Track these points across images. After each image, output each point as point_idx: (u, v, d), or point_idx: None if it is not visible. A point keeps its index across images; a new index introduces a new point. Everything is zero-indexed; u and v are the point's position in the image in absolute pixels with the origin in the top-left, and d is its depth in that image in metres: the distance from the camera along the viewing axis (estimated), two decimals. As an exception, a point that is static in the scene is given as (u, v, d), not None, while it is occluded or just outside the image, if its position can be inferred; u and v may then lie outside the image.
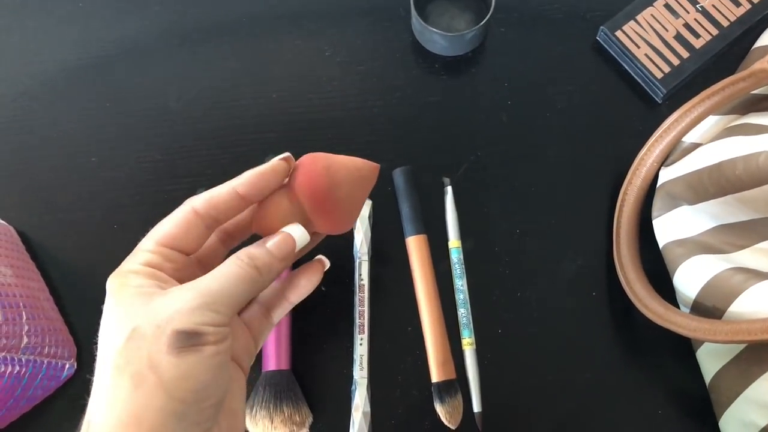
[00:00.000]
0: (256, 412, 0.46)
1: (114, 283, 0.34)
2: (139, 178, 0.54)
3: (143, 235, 0.40)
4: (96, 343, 0.33)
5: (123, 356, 0.31)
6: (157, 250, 0.35)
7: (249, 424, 0.46)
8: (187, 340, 0.32)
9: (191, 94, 0.57)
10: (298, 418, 0.46)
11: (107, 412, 0.30)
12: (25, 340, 0.44)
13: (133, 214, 0.53)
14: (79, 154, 0.55)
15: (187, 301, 0.32)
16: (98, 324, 0.48)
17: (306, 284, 0.40)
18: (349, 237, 0.52)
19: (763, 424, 0.40)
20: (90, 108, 0.56)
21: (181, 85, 0.57)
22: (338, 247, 0.52)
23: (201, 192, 0.44)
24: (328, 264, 0.41)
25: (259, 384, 0.47)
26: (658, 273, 0.48)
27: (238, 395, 0.37)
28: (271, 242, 0.36)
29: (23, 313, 0.45)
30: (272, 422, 0.45)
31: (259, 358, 0.48)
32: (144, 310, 0.32)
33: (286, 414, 0.46)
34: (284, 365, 0.48)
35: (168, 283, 0.34)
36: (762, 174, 0.37)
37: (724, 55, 0.55)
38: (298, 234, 0.37)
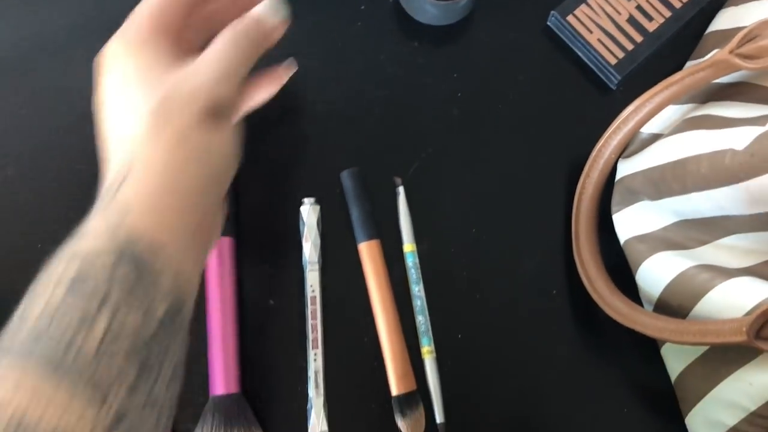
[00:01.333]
0: None
1: (126, 40, 0.34)
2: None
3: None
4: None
5: (160, 116, 0.32)
6: (158, 22, 0.35)
7: None
8: (219, 114, 0.33)
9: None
10: None
11: (151, 162, 0.31)
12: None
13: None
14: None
15: (209, 75, 0.33)
16: None
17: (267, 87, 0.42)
18: (296, 246, 0.48)
19: (732, 424, 0.40)
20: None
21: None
22: (285, 256, 0.49)
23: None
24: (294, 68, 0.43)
25: (207, 410, 0.44)
26: (620, 268, 0.47)
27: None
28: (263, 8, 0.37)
29: None
30: None
31: (205, 381, 0.45)
32: (171, 79, 0.33)
33: None
34: (233, 388, 0.45)
35: (180, 44, 0.35)
36: (728, 174, 0.36)
37: (678, 38, 0.53)
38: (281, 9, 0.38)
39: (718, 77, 0.41)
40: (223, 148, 0.34)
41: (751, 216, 0.37)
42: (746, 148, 0.35)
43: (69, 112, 0.51)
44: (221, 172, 0.35)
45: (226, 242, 0.47)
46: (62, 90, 0.51)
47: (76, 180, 0.49)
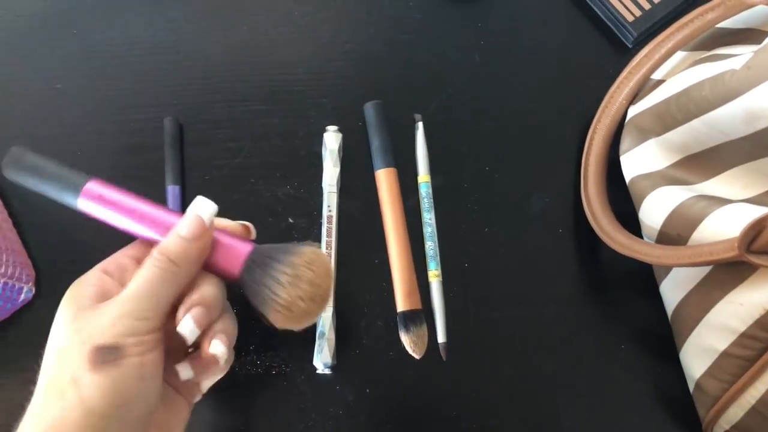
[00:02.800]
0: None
1: (66, 297, 0.36)
2: (104, 106, 0.53)
3: (107, 161, 0.47)
4: None
5: (50, 376, 0.33)
6: (114, 260, 0.38)
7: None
8: (107, 354, 0.32)
9: (159, 25, 0.55)
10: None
11: (40, 422, 0.32)
12: (-19, 255, 0.43)
13: (96, 141, 0.52)
14: (42, 81, 0.54)
15: (109, 315, 0.33)
16: (57, 250, 0.48)
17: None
18: (318, 170, 0.51)
19: (722, 348, 0.41)
20: (55, 37, 0.55)
21: (150, 16, 0.56)
22: (306, 178, 0.51)
23: (167, 121, 0.45)
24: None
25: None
26: (625, 213, 0.49)
27: (177, 415, 0.38)
28: (180, 226, 0.36)
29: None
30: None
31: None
32: (71, 329, 0.33)
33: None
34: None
35: (114, 291, 0.35)
36: (727, 91, 0.38)
37: (696, 2, 0.55)
38: (206, 210, 0.36)
39: (728, 17, 0.43)
40: (122, 389, 0.32)
41: (749, 137, 0.39)
42: (744, 64, 0.37)
43: (113, 36, 0.55)
44: (122, 412, 0.32)
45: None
46: (108, 17, 0.55)
47: (116, 96, 0.53)
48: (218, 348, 0.36)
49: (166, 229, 0.37)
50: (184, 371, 0.37)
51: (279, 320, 0.37)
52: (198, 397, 0.41)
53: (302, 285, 0.36)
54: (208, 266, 0.37)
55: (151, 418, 0.35)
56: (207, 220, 0.36)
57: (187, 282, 0.36)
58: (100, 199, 0.38)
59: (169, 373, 0.37)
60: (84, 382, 0.32)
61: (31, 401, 0.33)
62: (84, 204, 0.38)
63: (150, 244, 0.37)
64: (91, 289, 0.35)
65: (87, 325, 0.33)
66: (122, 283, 0.36)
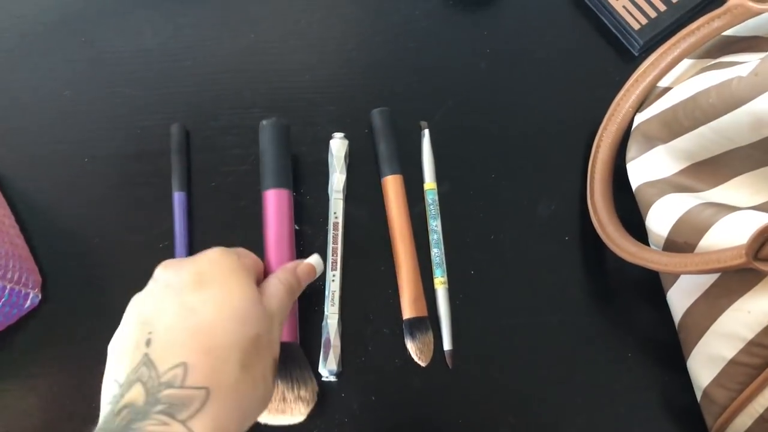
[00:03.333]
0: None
1: (237, 260, 0.38)
2: (112, 112, 0.53)
3: (114, 168, 0.49)
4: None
5: (249, 356, 0.34)
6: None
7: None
8: (276, 369, 0.38)
9: (168, 32, 0.56)
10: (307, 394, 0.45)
11: (230, 396, 0.33)
12: (-12, 261, 0.43)
13: (105, 148, 0.52)
14: (51, 88, 0.54)
15: (280, 328, 0.38)
16: (65, 256, 0.48)
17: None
18: (324, 177, 0.51)
19: (730, 356, 0.41)
20: (63, 43, 0.55)
21: (158, 23, 0.56)
22: (312, 185, 0.51)
23: (174, 128, 0.49)
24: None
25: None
26: (631, 220, 0.49)
27: None
28: (306, 262, 0.44)
29: (-15, 236, 0.44)
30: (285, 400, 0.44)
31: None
32: (264, 321, 0.36)
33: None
34: (295, 337, 0.46)
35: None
36: (734, 98, 0.38)
37: (702, 10, 0.55)
38: (318, 266, 0.45)
39: (733, 25, 0.43)
40: (269, 399, 0.37)
41: (757, 144, 0.39)
42: (751, 71, 0.37)
43: (120, 43, 0.55)
44: (259, 415, 0.37)
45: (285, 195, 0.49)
46: (115, 23, 0.56)
47: (124, 103, 0.53)
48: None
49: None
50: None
51: None
52: None
53: (286, 402, 0.43)
54: None
55: None
56: (318, 270, 0.45)
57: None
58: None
59: None
60: (269, 384, 0.36)
61: (214, 368, 0.33)
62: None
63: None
64: (253, 282, 0.39)
65: (272, 328, 0.37)
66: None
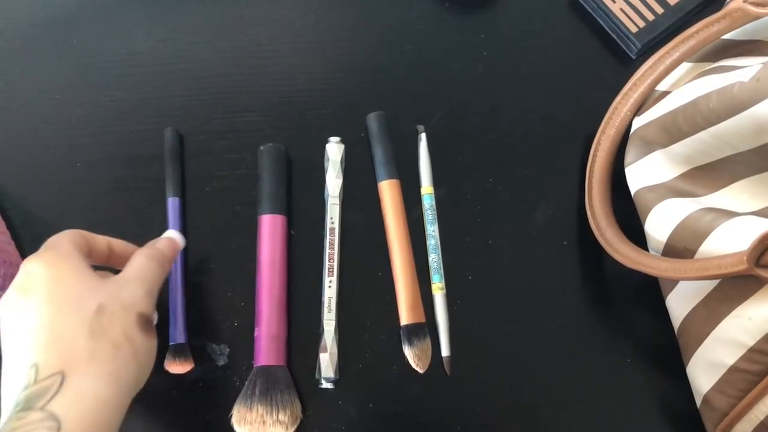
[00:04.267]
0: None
1: (63, 256, 0.37)
2: (105, 117, 0.52)
3: (107, 173, 0.50)
4: None
5: (97, 324, 0.35)
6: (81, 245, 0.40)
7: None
8: (148, 324, 0.38)
9: (160, 35, 0.55)
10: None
11: (89, 368, 0.34)
12: (-22, 268, 0.42)
13: (97, 152, 0.52)
14: (42, 92, 0.53)
15: (138, 290, 0.38)
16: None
17: None
18: (320, 182, 0.51)
19: (731, 363, 0.40)
20: (55, 47, 0.55)
21: (150, 26, 0.55)
22: (308, 190, 0.51)
23: (167, 132, 0.50)
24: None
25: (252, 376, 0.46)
26: (630, 225, 0.48)
27: None
28: (165, 234, 0.46)
29: (-21, 240, 0.43)
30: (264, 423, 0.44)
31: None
32: (103, 291, 0.37)
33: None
34: (282, 361, 0.46)
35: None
36: (736, 103, 0.37)
37: (699, 13, 0.55)
38: (174, 234, 0.46)
39: (733, 29, 0.43)
40: (148, 356, 0.38)
41: (758, 149, 0.39)
42: (753, 76, 0.37)
43: (112, 46, 0.55)
44: (145, 376, 0.38)
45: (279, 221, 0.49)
46: (106, 27, 0.55)
47: (117, 107, 0.53)
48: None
49: None
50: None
51: (236, 415, 0.44)
52: None
53: (265, 425, 0.44)
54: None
55: None
56: (181, 245, 0.46)
57: (167, 273, 0.43)
58: None
59: None
60: (138, 341, 0.36)
61: (63, 343, 0.34)
62: None
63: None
64: (82, 257, 0.38)
65: (123, 293, 0.37)
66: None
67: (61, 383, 0.32)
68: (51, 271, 0.36)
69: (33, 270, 0.36)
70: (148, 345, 0.37)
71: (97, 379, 0.34)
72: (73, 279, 0.36)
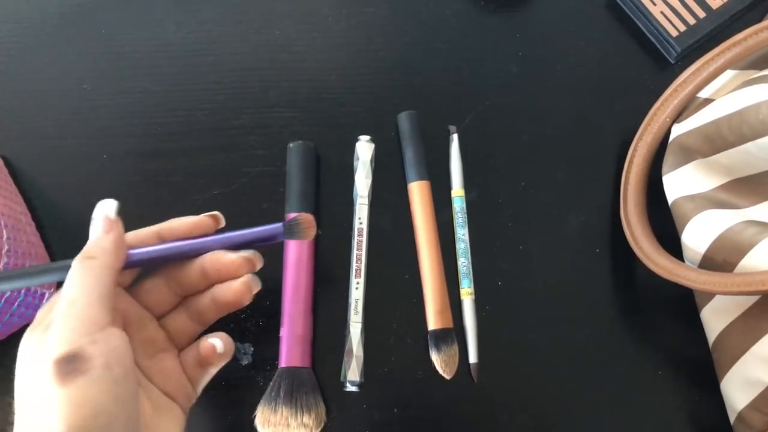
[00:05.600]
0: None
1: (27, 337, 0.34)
2: (132, 109, 0.52)
3: (133, 167, 0.48)
4: None
5: (20, 392, 0.32)
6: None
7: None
8: (70, 364, 0.30)
9: (190, 26, 0.54)
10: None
11: None
12: (5, 260, 0.42)
13: (124, 144, 0.51)
14: (70, 81, 0.53)
15: (58, 325, 0.32)
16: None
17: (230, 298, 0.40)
18: (349, 181, 0.50)
19: (769, 381, 0.39)
20: (84, 36, 0.54)
21: (181, 17, 0.55)
22: (336, 189, 0.50)
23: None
24: (258, 264, 0.42)
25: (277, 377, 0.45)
26: (665, 234, 0.47)
27: (172, 420, 0.37)
28: (92, 232, 0.38)
29: (4, 232, 0.43)
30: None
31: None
32: (33, 348, 0.32)
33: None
34: (307, 362, 0.46)
35: None
36: (788, 115, 0.36)
37: (741, 18, 0.53)
38: (109, 208, 0.38)
39: (782, 37, 0.42)
40: (98, 396, 0.31)
41: (806, 164, 0.38)
42: (808, 88, 0.35)
43: (142, 38, 0.54)
44: (104, 422, 0.31)
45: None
46: (137, 18, 0.54)
47: (145, 99, 0.52)
48: (217, 341, 0.39)
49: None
50: (218, 344, 0.39)
51: (259, 416, 0.43)
52: (193, 400, 0.40)
53: (290, 428, 0.43)
54: None
55: (140, 426, 0.34)
56: (113, 214, 0.38)
57: (111, 272, 0.36)
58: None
59: (160, 378, 0.38)
60: (53, 399, 0.30)
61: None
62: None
63: None
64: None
65: (44, 341, 0.32)
66: None
67: None
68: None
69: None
70: (70, 396, 0.30)
71: None
72: (26, 350, 0.33)
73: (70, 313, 0.32)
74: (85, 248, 0.36)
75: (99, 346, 0.32)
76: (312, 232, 0.42)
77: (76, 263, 0.35)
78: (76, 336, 0.32)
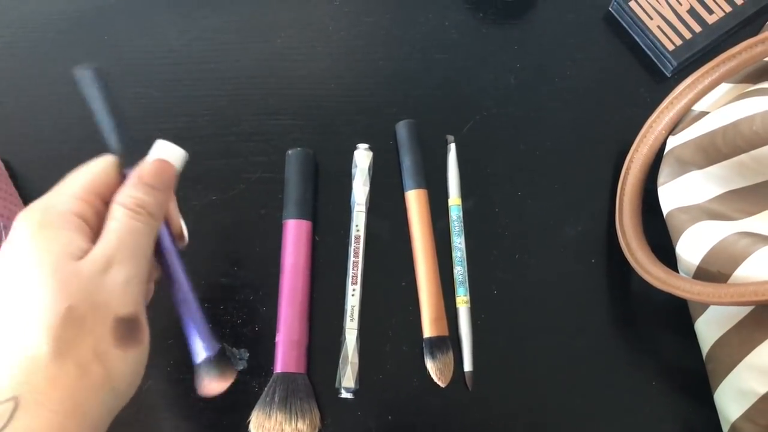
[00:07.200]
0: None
1: (37, 224, 0.30)
2: (134, 114, 0.52)
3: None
4: None
5: (62, 339, 0.28)
6: (88, 198, 0.32)
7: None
8: (130, 328, 0.29)
9: (192, 34, 0.55)
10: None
11: (47, 397, 0.27)
12: (3, 261, 0.42)
13: (124, 149, 0.51)
14: (71, 86, 0.53)
15: (118, 276, 0.29)
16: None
17: None
18: (347, 189, 0.50)
19: (763, 392, 0.39)
20: (86, 42, 0.55)
21: (183, 25, 0.55)
22: (334, 196, 0.50)
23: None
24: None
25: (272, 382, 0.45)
26: (660, 245, 0.47)
27: None
28: (150, 175, 0.33)
29: (2, 233, 0.43)
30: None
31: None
32: (77, 286, 0.28)
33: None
34: (302, 368, 0.46)
35: (89, 242, 0.31)
36: (781, 127, 0.37)
37: (737, 34, 0.54)
38: (175, 156, 0.34)
39: (776, 51, 0.43)
40: (129, 374, 0.30)
41: (800, 175, 0.38)
42: (801, 100, 0.36)
43: (145, 44, 0.54)
44: (125, 398, 0.30)
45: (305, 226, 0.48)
46: (140, 24, 0.55)
47: (147, 104, 0.52)
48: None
49: None
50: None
51: (254, 422, 0.43)
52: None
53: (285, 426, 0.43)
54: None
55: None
56: (179, 167, 0.35)
57: (159, 225, 0.34)
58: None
59: None
60: (112, 359, 0.28)
61: (20, 357, 0.27)
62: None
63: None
64: (71, 236, 0.30)
65: (99, 290, 0.29)
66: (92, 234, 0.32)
67: (12, 413, 0.26)
68: (34, 243, 0.29)
69: (18, 235, 0.30)
70: (129, 361, 0.29)
71: (55, 414, 0.27)
72: (51, 261, 0.29)
73: (133, 271, 0.30)
74: (146, 200, 0.32)
75: (144, 318, 0.31)
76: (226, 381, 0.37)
77: (140, 218, 0.32)
78: (137, 299, 0.30)
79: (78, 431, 0.28)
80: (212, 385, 0.36)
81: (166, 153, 0.34)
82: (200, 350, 0.36)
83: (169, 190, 0.34)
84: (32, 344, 0.27)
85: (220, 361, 0.36)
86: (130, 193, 0.32)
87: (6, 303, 0.28)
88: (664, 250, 0.46)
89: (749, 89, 0.45)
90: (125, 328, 0.29)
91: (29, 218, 0.30)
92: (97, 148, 0.51)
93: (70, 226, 0.30)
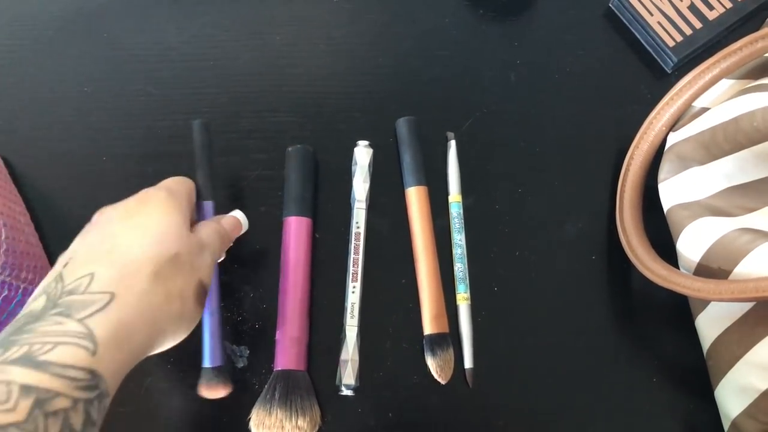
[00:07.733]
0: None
1: (168, 192, 0.39)
2: (133, 112, 0.52)
3: (133, 169, 0.49)
4: None
5: (163, 270, 0.34)
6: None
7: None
8: (203, 295, 0.38)
9: (191, 31, 0.55)
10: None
11: (137, 304, 0.33)
12: (2, 258, 0.42)
13: (124, 147, 0.51)
14: (71, 84, 0.53)
15: (208, 257, 0.39)
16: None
17: None
18: (346, 184, 0.50)
19: (763, 387, 0.39)
20: (85, 40, 0.54)
21: (182, 22, 0.55)
22: (335, 193, 0.50)
23: (196, 122, 0.47)
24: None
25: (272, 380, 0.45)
26: (661, 242, 0.47)
27: None
28: (232, 220, 0.45)
29: (2, 231, 0.43)
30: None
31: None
32: (188, 246, 0.37)
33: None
34: (302, 366, 0.46)
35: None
36: (782, 123, 0.37)
37: (737, 30, 0.54)
38: (244, 223, 0.46)
39: (776, 47, 0.43)
40: (188, 325, 0.37)
41: (801, 171, 0.38)
42: (802, 96, 0.36)
43: (143, 41, 0.54)
44: (172, 342, 0.37)
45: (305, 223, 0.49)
46: (139, 22, 0.55)
47: (146, 102, 0.52)
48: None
49: None
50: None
51: (254, 419, 0.44)
52: None
53: (284, 430, 0.43)
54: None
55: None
56: (244, 227, 0.46)
57: (222, 254, 0.45)
58: None
59: None
60: (189, 305, 0.36)
61: (121, 270, 0.33)
62: None
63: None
64: (188, 213, 0.40)
65: (197, 256, 0.37)
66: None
67: (107, 303, 0.32)
68: (167, 204, 0.37)
69: (154, 194, 0.38)
70: (194, 314, 0.37)
71: (139, 319, 0.33)
72: (166, 219, 0.37)
73: (213, 259, 0.40)
74: (230, 228, 0.44)
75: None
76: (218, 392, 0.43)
77: (226, 233, 0.43)
78: (210, 278, 0.39)
79: (145, 341, 0.33)
80: (210, 392, 0.43)
81: (241, 217, 0.46)
82: (208, 359, 0.43)
83: (230, 242, 0.44)
84: (141, 261, 0.34)
85: (221, 374, 0.43)
86: (213, 222, 0.43)
87: (135, 224, 0.36)
88: (665, 247, 0.46)
89: (750, 85, 0.44)
90: (202, 292, 0.37)
91: (160, 187, 0.40)
92: (97, 147, 0.51)
93: (189, 206, 0.40)
